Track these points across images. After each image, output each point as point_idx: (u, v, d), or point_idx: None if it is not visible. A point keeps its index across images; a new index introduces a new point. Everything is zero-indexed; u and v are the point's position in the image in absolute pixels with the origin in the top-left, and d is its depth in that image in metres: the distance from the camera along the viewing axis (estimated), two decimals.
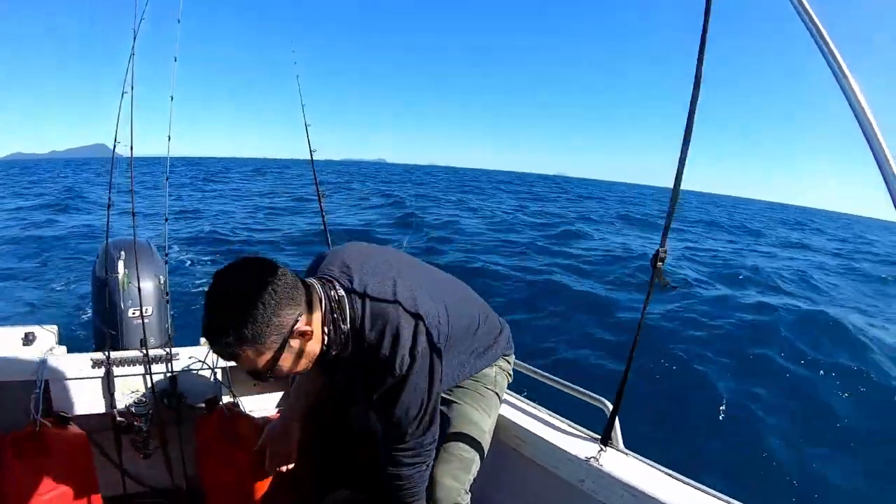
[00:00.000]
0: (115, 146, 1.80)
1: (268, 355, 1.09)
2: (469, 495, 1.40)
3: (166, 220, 1.85)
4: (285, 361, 1.13)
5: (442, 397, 1.48)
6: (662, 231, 1.31)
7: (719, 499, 1.26)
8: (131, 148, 1.82)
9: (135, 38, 1.83)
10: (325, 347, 1.20)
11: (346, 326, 1.21)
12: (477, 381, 1.54)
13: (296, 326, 1.10)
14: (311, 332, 1.14)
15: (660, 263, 1.30)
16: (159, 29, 1.98)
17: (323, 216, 2.27)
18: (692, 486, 1.30)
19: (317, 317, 1.17)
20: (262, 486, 1.80)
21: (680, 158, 1.25)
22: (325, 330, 1.19)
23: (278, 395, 2.19)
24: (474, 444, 1.43)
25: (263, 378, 1.17)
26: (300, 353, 1.15)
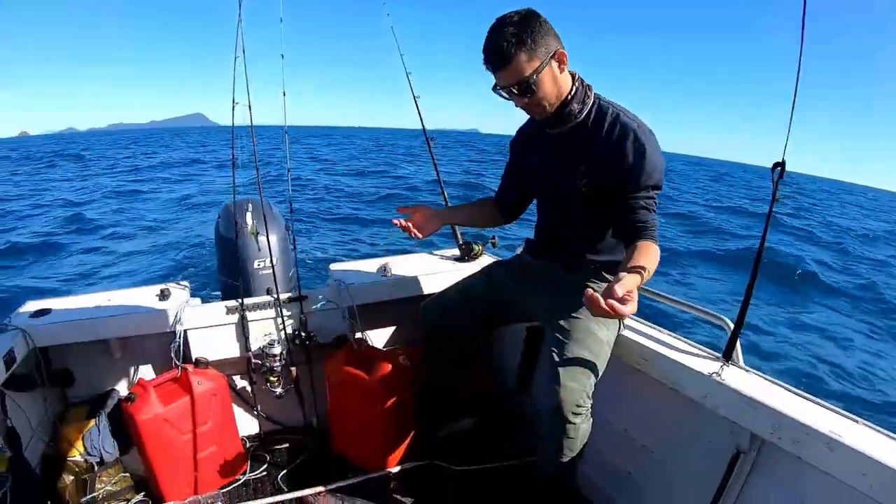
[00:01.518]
0: (233, 107, 1.91)
1: (535, 63, 1.36)
2: (590, 401, 1.45)
3: (289, 171, 1.98)
4: (545, 77, 1.39)
5: (564, 313, 1.56)
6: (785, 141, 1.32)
7: (846, 416, 1.25)
8: (249, 107, 1.93)
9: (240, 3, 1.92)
10: (569, 96, 1.46)
11: (593, 95, 1.50)
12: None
13: (558, 52, 1.39)
14: (567, 64, 1.43)
15: (780, 177, 1.31)
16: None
17: (435, 164, 2.37)
18: (815, 402, 1.29)
19: (567, 73, 1.46)
20: (388, 420, 1.92)
21: None
22: (574, 84, 1.47)
23: (403, 330, 2.31)
24: (594, 353, 1.48)
25: (523, 90, 1.40)
26: (555, 79, 1.42)
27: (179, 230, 10.22)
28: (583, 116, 1.49)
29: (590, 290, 1.16)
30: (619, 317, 1.20)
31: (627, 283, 1.19)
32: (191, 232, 9.80)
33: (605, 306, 1.13)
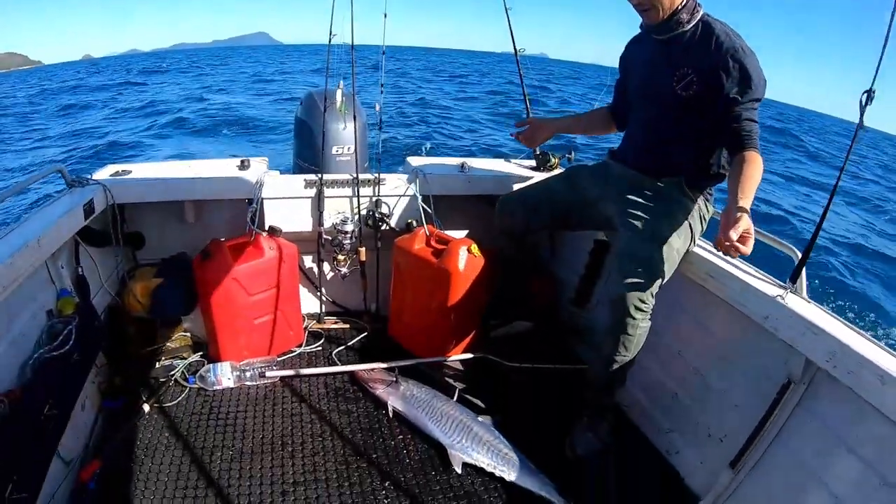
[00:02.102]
0: None
1: None
2: (653, 300, 1.48)
3: (383, 52, 2.00)
4: None
5: (639, 214, 1.58)
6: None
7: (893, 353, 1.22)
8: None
9: None
10: (680, 6, 1.51)
11: (702, 11, 1.53)
12: (676, 206, 1.61)
13: None
14: None
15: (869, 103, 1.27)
16: None
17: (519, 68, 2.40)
18: (874, 341, 1.27)
19: None
20: (451, 309, 1.94)
21: None
22: None
23: (476, 227, 2.33)
24: (663, 255, 1.50)
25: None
26: None
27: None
28: (690, 27, 1.52)
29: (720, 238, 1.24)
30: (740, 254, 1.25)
31: (742, 224, 1.23)
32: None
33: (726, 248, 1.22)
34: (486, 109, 16.19)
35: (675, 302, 1.72)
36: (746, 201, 1.30)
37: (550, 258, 2.39)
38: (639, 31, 1.71)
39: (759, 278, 1.55)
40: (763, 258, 1.60)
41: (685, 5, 1.52)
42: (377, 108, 2.00)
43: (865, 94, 1.34)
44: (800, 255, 1.48)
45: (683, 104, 1.53)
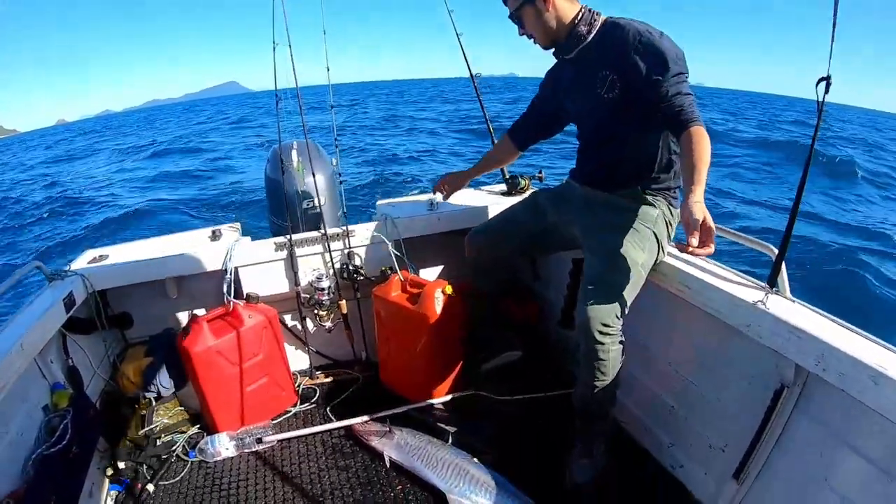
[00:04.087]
0: (273, 48, 1.96)
1: (518, 1, 1.59)
2: (620, 322, 1.46)
3: (332, 107, 2.03)
4: (528, 13, 1.60)
5: (599, 232, 1.59)
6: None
7: (889, 348, 1.18)
8: (291, 59, 1.97)
9: None
10: (576, 20, 1.59)
11: (602, 17, 1.59)
12: (637, 217, 1.60)
13: None
14: (552, 1, 1.57)
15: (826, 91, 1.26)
16: None
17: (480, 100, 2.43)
18: (863, 335, 1.24)
19: (571, 4, 1.60)
20: (435, 350, 1.96)
21: None
22: (581, 11, 1.59)
23: (450, 264, 2.35)
24: (625, 273, 1.48)
25: (514, 22, 1.65)
26: (539, 15, 1.59)
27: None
28: (592, 36, 1.57)
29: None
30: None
31: (699, 226, 1.21)
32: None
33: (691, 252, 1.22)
34: (453, 133, 16.06)
35: (660, 314, 1.72)
36: (699, 190, 1.29)
37: (534, 281, 2.40)
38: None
39: (738, 283, 1.51)
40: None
41: (581, 18, 1.58)
42: (334, 163, 2.03)
43: (823, 82, 1.32)
44: (776, 251, 1.44)
45: (614, 107, 1.55)
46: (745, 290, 1.45)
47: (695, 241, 1.20)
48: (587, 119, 1.71)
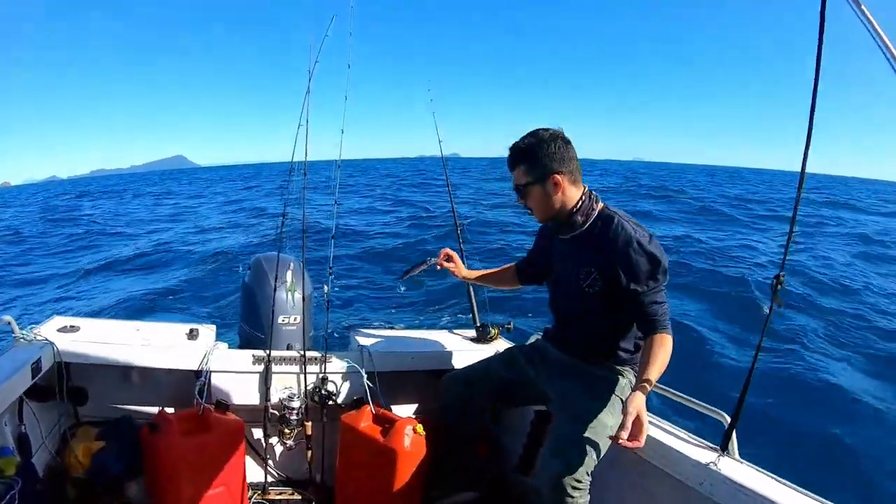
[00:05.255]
0: (292, 166, 2.11)
1: (529, 178, 1.72)
2: (590, 479, 1.58)
3: (333, 237, 2.15)
4: (535, 191, 1.72)
5: (575, 397, 1.74)
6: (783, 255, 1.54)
7: None
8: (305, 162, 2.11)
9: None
10: (575, 208, 1.71)
11: (599, 206, 1.73)
12: (608, 386, 1.78)
13: (553, 175, 1.68)
14: (563, 186, 1.69)
15: (779, 287, 1.51)
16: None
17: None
18: (808, 495, 1.42)
19: (577, 189, 1.73)
20: (397, 485, 1.99)
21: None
22: (582, 198, 1.72)
23: (419, 401, 2.42)
24: (598, 435, 1.63)
25: (518, 194, 1.76)
26: (547, 196, 1.71)
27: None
28: (586, 227, 1.72)
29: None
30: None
31: (631, 422, 1.42)
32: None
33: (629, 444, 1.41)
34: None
35: (619, 473, 1.85)
36: (646, 388, 1.49)
37: (493, 425, 2.47)
38: None
39: (693, 443, 1.68)
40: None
41: (579, 208, 1.71)
42: (325, 289, 2.13)
43: (775, 280, 1.53)
44: (729, 418, 1.63)
45: (592, 299, 1.73)
46: (699, 451, 1.63)
47: (625, 434, 1.40)
48: (567, 299, 1.88)
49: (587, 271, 1.71)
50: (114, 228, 16.61)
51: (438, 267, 2.17)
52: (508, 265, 2.24)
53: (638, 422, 1.42)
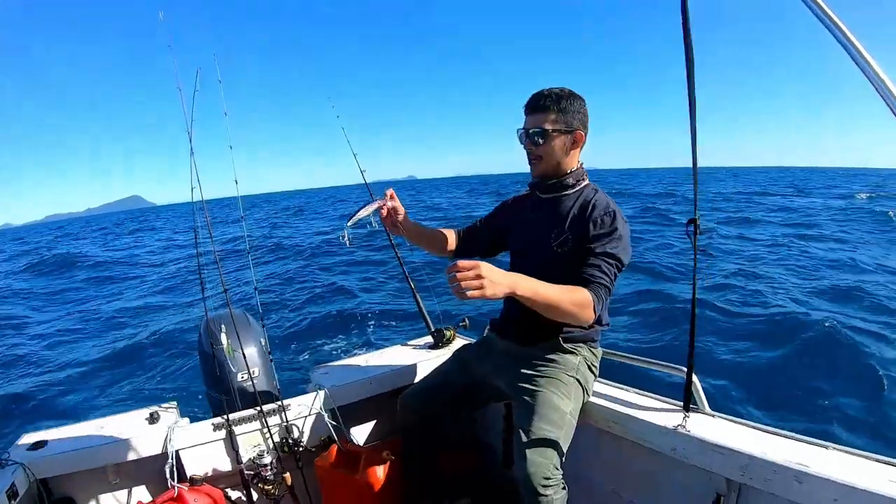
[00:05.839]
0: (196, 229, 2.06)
1: (558, 125, 1.66)
2: (560, 471, 1.51)
3: (256, 288, 2.10)
4: (558, 139, 1.67)
5: (525, 387, 1.66)
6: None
7: (816, 444, 1.31)
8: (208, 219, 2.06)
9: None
10: (569, 172, 1.72)
11: (588, 181, 1.75)
12: (559, 367, 1.69)
13: (577, 132, 1.69)
14: (580, 145, 1.71)
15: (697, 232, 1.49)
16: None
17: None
18: (784, 435, 1.36)
19: (577, 155, 1.74)
20: None
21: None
22: (577, 168, 1.74)
23: (384, 423, 2.38)
24: (557, 425, 1.55)
25: (539, 135, 1.68)
26: (564, 147, 1.69)
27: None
28: (573, 191, 1.73)
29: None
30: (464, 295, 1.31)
31: (475, 264, 1.33)
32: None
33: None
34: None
35: (596, 449, 1.80)
36: (527, 285, 1.41)
37: (470, 425, 2.44)
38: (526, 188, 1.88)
39: (658, 409, 1.62)
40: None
41: (572, 173, 1.73)
42: (263, 341, 2.07)
43: (690, 224, 1.50)
44: (685, 370, 1.57)
45: (557, 261, 1.65)
46: (666, 416, 1.56)
47: (451, 273, 1.31)
48: (526, 261, 1.78)
49: (559, 231, 1.68)
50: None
51: (384, 209, 1.82)
52: (447, 228, 2.08)
53: (473, 273, 1.31)
